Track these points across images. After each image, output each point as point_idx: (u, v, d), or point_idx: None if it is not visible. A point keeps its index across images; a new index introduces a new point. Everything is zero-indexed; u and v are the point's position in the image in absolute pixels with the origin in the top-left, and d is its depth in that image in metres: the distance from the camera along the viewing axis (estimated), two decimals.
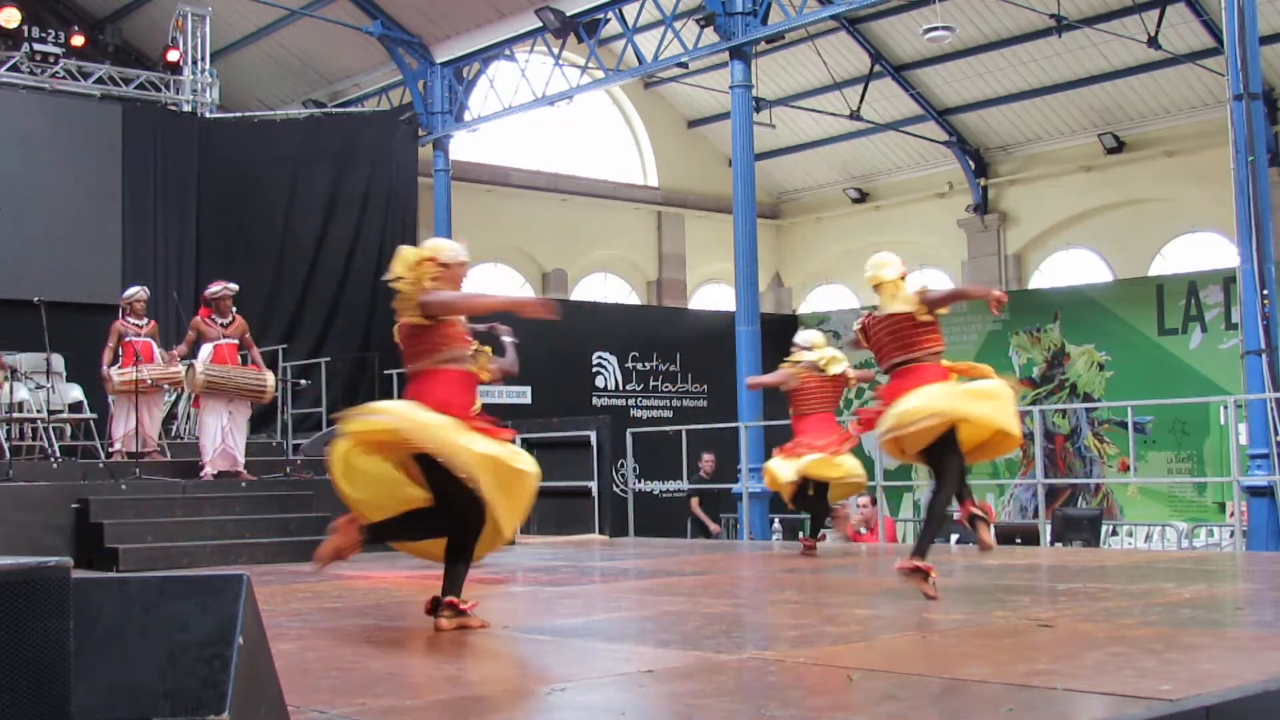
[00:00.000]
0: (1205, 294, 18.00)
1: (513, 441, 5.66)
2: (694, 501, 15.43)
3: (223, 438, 11.02)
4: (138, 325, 11.60)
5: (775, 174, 24.28)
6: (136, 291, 11.94)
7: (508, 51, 18.12)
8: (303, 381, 13.88)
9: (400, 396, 5.90)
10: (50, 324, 11.04)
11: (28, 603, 2.37)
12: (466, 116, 18.73)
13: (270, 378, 11.28)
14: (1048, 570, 8.21)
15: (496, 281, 22.28)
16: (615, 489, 14.49)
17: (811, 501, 9.90)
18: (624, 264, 23.83)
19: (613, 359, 20.52)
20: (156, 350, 11.63)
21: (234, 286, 11.45)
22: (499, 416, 5.72)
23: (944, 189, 22.81)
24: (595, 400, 19.99)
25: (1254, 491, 10.82)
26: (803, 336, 10.15)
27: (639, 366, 20.78)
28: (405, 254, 5.72)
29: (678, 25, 15.92)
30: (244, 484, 11.06)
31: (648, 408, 20.66)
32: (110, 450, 11.71)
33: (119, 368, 11.36)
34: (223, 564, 9.46)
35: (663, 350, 20.81)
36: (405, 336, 5.70)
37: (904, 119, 21.65)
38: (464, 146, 20.15)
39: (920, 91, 21.11)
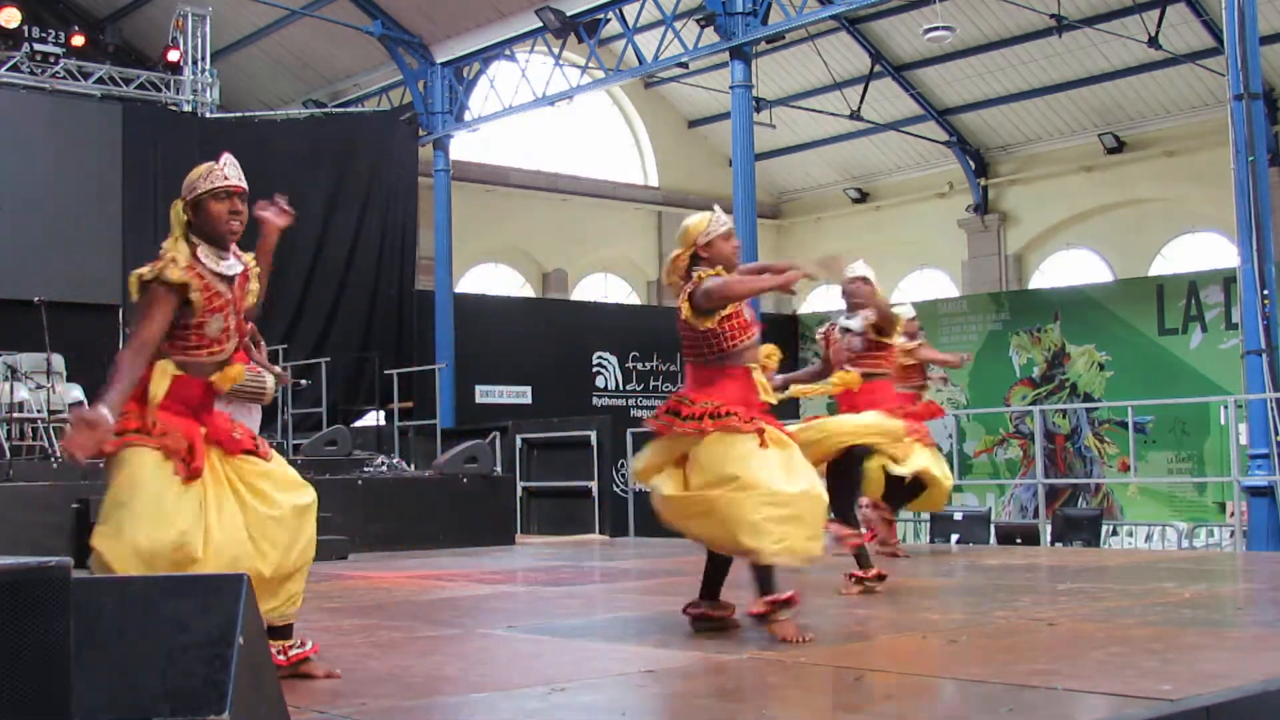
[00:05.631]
0: (1205, 294, 18.00)
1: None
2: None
3: None
4: None
5: (775, 174, 24.27)
6: None
7: (508, 51, 18.11)
8: (303, 382, 13.85)
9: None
10: (50, 324, 11.01)
11: (28, 603, 2.37)
12: (466, 116, 18.72)
13: (270, 379, 11.22)
14: (1048, 570, 8.21)
15: (496, 281, 22.30)
16: (615, 489, 14.47)
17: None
18: (624, 264, 23.83)
19: (613, 359, 20.52)
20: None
21: None
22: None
23: (944, 189, 22.81)
24: (595, 400, 20.00)
25: (1254, 491, 10.81)
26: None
27: (639, 366, 20.78)
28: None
29: (678, 25, 15.91)
30: None
31: (648, 408, 20.62)
32: None
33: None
34: None
35: (663, 350, 20.79)
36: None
37: (904, 119, 21.64)
38: (464, 146, 20.15)
39: (920, 91, 21.11)
